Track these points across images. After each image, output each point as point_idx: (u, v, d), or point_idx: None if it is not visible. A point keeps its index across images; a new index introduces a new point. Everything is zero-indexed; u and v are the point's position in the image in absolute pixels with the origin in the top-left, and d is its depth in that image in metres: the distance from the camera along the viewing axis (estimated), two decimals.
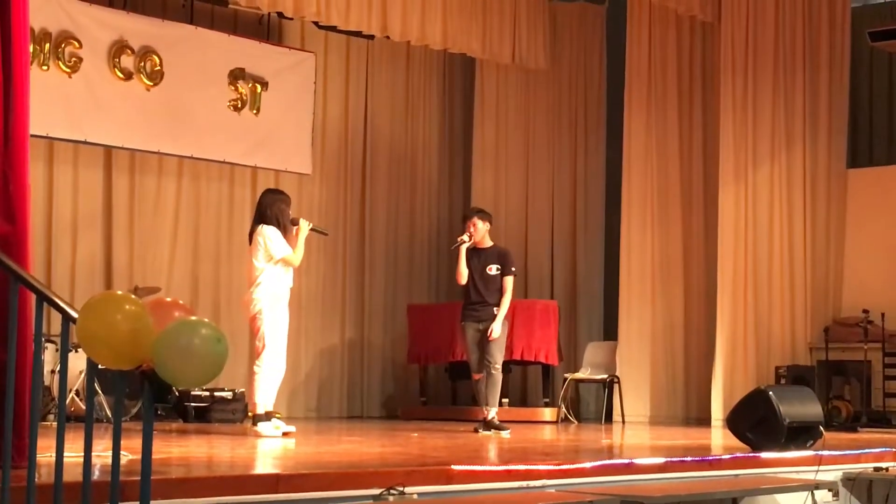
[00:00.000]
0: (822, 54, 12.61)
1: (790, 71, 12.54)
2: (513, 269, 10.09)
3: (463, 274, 10.04)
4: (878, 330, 11.71)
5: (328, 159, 13.60)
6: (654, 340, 12.97)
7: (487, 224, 10.19)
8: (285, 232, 8.95)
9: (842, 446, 8.01)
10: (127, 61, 11.58)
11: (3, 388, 4.33)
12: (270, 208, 8.98)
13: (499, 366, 9.92)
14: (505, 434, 9.56)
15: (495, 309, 9.94)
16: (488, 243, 10.17)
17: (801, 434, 7.77)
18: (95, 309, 3.87)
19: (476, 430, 9.79)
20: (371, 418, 13.34)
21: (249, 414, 9.16)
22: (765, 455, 7.33)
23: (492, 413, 9.86)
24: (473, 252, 10.07)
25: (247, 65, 12.49)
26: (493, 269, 10.02)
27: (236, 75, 12.42)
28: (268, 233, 8.84)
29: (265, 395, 8.77)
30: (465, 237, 10.07)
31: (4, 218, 4.86)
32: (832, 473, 7.26)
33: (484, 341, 9.92)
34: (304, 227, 9.05)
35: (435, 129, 14.74)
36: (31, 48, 10.81)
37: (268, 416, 8.80)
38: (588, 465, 6.23)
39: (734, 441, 7.92)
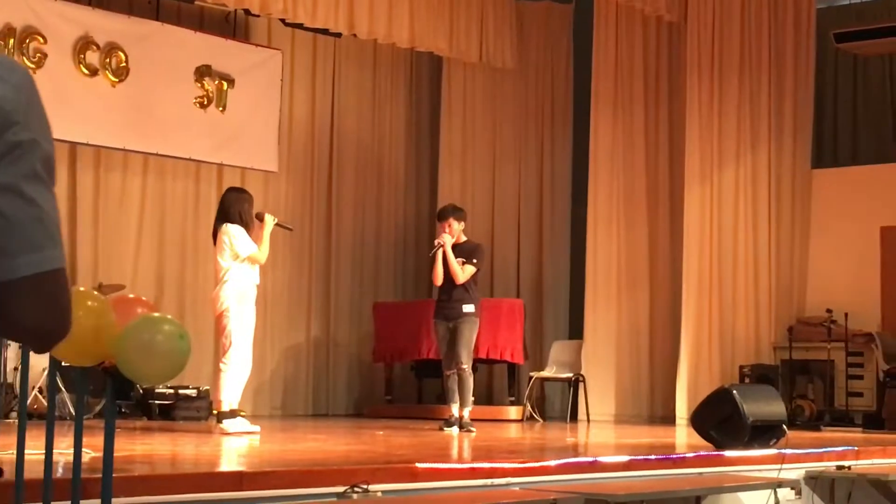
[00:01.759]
0: (787, 55, 12.67)
1: (755, 72, 12.60)
2: (474, 260, 10.07)
3: (439, 276, 10.04)
4: (841, 329, 11.79)
5: (295, 157, 13.57)
6: (620, 339, 13.01)
7: (463, 223, 10.23)
8: (249, 230, 8.95)
9: (805, 445, 8.06)
10: (92, 57, 11.52)
11: None
12: (233, 206, 8.98)
13: (466, 366, 9.93)
14: (472, 433, 9.57)
15: (465, 307, 9.95)
16: (462, 239, 10.20)
17: (765, 433, 7.81)
18: None
19: (441, 429, 9.80)
20: (337, 416, 13.31)
21: (214, 411, 9.14)
22: (728, 453, 7.36)
23: (465, 413, 9.90)
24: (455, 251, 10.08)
25: (213, 62, 12.44)
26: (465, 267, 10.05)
27: (203, 72, 12.37)
28: (232, 231, 8.83)
29: (230, 393, 8.76)
30: (444, 240, 10.03)
31: None
32: (795, 472, 7.30)
33: (453, 340, 9.94)
34: (269, 222, 9.05)
35: (402, 127, 14.73)
36: None
37: (233, 414, 8.78)
38: (552, 463, 6.25)
39: (698, 440, 7.96)
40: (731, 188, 12.55)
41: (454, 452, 7.52)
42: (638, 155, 13.22)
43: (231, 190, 9.44)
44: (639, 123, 13.25)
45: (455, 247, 10.09)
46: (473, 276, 10.12)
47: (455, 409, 9.96)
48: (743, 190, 12.55)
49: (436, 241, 10.17)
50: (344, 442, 8.28)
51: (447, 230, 10.10)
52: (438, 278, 10.05)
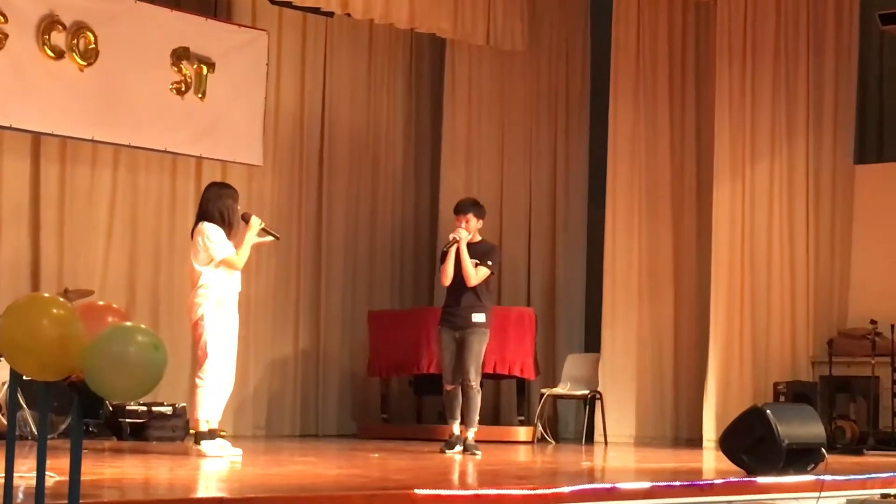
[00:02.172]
0: (827, 38, 12.67)
1: (792, 57, 12.60)
2: (489, 262, 10.08)
3: (448, 275, 10.04)
4: (887, 343, 11.77)
5: (281, 149, 13.57)
6: (641, 353, 13.00)
7: (481, 221, 10.23)
8: (231, 230, 8.94)
9: (846, 470, 8.06)
10: (58, 38, 11.51)
11: None
12: (215, 203, 8.98)
13: (474, 384, 9.95)
14: (475, 456, 9.58)
15: (475, 316, 9.95)
16: (477, 238, 10.20)
17: (802, 457, 7.80)
18: (19, 313, 3.86)
19: (442, 451, 9.80)
20: (327, 437, 13.32)
21: (191, 431, 9.14)
22: (761, 480, 7.36)
23: (470, 434, 9.91)
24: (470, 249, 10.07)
25: (192, 44, 12.44)
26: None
27: (180, 55, 12.36)
28: (208, 231, 8.83)
29: (208, 410, 8.77)
30: (460, 235, 10.02)
31: None
32: (835, 500, 7.30)
33: (460, 353, 9.94)
34: (255, 225, 9.03)
35: (400, 117, 14.73)
36: None
37: (212, 434, 8.79)
38: (566, 489, 6.25)
39: (728, 464, 7.95)
40: (764, 185, 12.54)
41: (457, 477, 7.52)
42: (661, 148, 13.21)
43: (212, 185, 9.45)
44: (663, 113, 13.25)
45: (468, 246, 10.08)
46: (486, 281, 10.13)
47: (456, 428, 9.97)
48: (778, 187, 12.54)
49: (451, 236, 10.14)
50: (335, 465, 8.28)
51: (464, 225, 10.08)
52: (448, 277, 10.04)
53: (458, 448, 9.82)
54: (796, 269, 12.49)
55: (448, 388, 10.04)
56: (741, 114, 12.57)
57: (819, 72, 12.62)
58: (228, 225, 8.95)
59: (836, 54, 12.69)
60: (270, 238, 9.45)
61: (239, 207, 9.20)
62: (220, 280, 8.83)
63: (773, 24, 12.63)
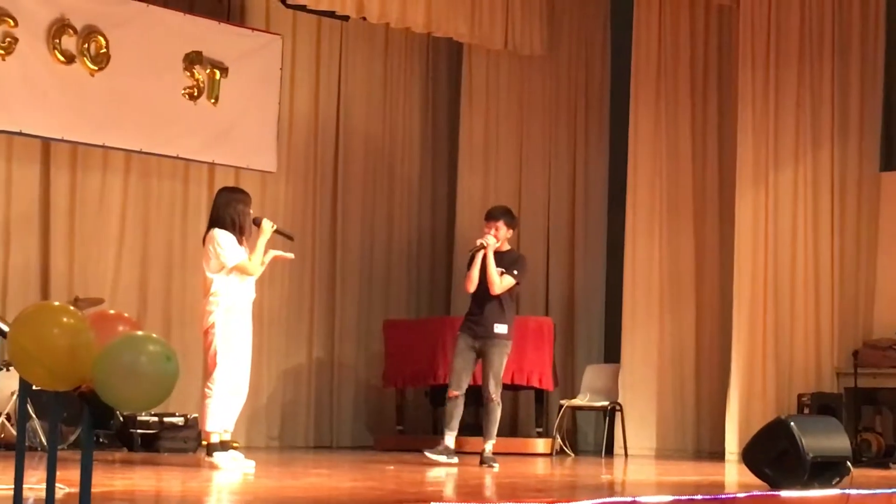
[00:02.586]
0: (853, 42, 12.63)
1: (817, 61, 12.56)
2: (514, 272, 10.07)
3: (474, 281, 10.02)
4: None
5: (295, 155, 13.58)
6: (662, 363, 12.98)
7: (511, 232, 10.23)
8: (243, 235, 8.93)
9: (872, 484, 8.03)
10: (68, 42, 11.54)
11: None
12: (226, 209, 8.96)
13: (495, 397, 9.95)
14: (492, 469, 9.57)
15: (497, 327, 9.95)
16: (505, 247, 10.19)
17: (827, 470, 7.78)
18: (29, 322, 3.87)
19: (425, 453, 9.73)
20: (341, 448, 13.32)
21: (203, 443, 9.15)
22: (785, 494, 7.34)
23: (488, 447, 9.90)
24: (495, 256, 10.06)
25: (204, 48, 12.47)
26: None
27: (192, 59, 12.40)
28: (219, 237, 8.82)
29: (218, 421, 8.76)
30: (488, 241, 10.00)
31: None
32: None
33: (480, 364, 9.93)
34: (267, 229, 9.02)
35: (416, 122, 14.74)
36: None
37: (224, 446, 8.79)
38: (586, 503, 6.23)
39: (751, 478, 7.93)
40: (788, 192, 12.52)
41: (474, 491, 7.51)
42: (683, 155, 13.20)
43: (223, 190, 9.44)
44: (684, 119, 13.24)
45: (495, 254, 10.07)
46: (510, 291, 10.12)
47: (450, 441, 9.94)
48: (802, 195, 12.51)
49: (478, 241, 10.09)
50: (349, 478, 8.28)
51: (493, 232, 10.06)
52: (473, 283, 10.02)
53: (443, 458, 9.78)
54: (821, 279, 12.46)
55: (454, 394, 9.96)
56: (764, 119, 12.55)
57: (844, 76, 12.59)
58: (240, 230, 8.93)
59: (861, 58, 12.65)
60: (286, 256, 9.41)
61: (251, 211, 9.18)
62: (232, 288, 8.83)
63: (797, 27, 12.60)
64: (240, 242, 8.94)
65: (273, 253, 9.16)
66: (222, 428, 8.81)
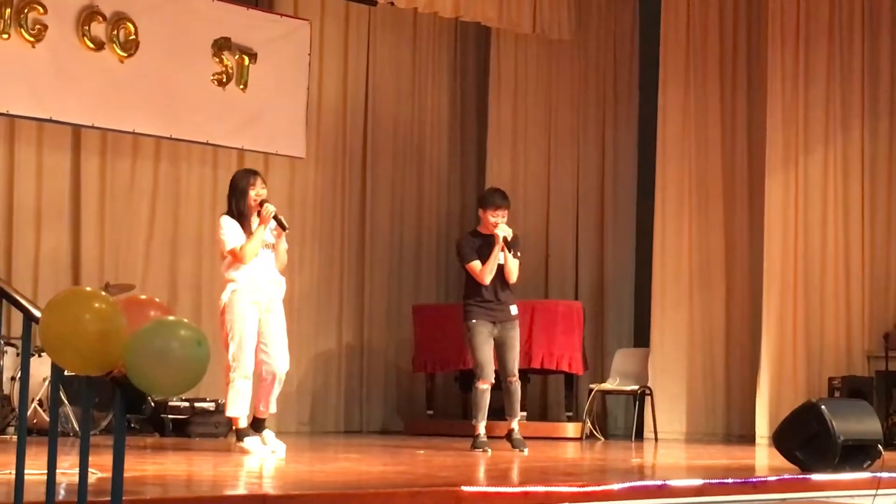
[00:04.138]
0: (883, 20, 12.55)
1: (846, 40, 12.50)
2: (518, 254, 9.91)
3: (492, 272, 9.85)
4: None
5: (324, 141, 13.60)
6: (692, 347, 12.96)
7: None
8: (242, 218, 8.82)
9: None
10: (98, 29, 11.58)
11: None
12: (229, 196, 8.94)
13: (517, 376, 9.93)
14: (521, 452, 9.56)
15: (512, 309, 9.89)
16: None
17: (858, 454, 7.76)
18: (61, 308, 3.88)
19: (483, 449, 9.63)
20: (371, 433, 13.35)
21: (233, 428, 9.18)
22: (816, 477, 7.32)
23: (515, 425, 9.86)
24: (485, 243, 9.94)
25: (233, 34, 12.49)
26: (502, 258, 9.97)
27: (221, 46, 12.42)
28: (221, 223, 8.83)
29: (241, 406, 8.77)
30: (507, 231, 9.86)
31: None
32: (891, 498, 7.24)
33: (502, 350, 9.87)
34: (266, 213, 8.82)
35: (445, 107, 14.73)
36: None
37: (257, 427, 8.82)
38: (616, 486, 6.23)
39: (781, 461, 7.92)
40: (818, 175, 12.47)
41: (504, 474, 7.52)
42: (712, 138, 13.16)
43: (233, 177, 9.28)
44: (713, 102, 13.19)
45: (490, 237, 9.94)
46: None
47: (483, 427, 9.84)
48: (832, 176, 12.47)
49: (501, 234, 9.88)
50: (380, 462, 8.29)
51: (503, 219, 9.93)
52: (491, 275, 9.93)
53: (487, 447, 9.67)
54: (851, 261, 12.41)
55: (484, 385, 9.84)
56: (794, 101, 12.50)
57: (874, 57, 12.52)
58: (239, 214, 8.84)
59: (892, 38, 12.57)
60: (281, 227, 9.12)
61: (261, 193, 8.96)
62: (243, 273, 8.80)
63: (827, 6, 12.54)
64: (243, 226, 8.82)
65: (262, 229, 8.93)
66: (245, 412, 8.82)
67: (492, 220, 9.84)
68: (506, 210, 9.91)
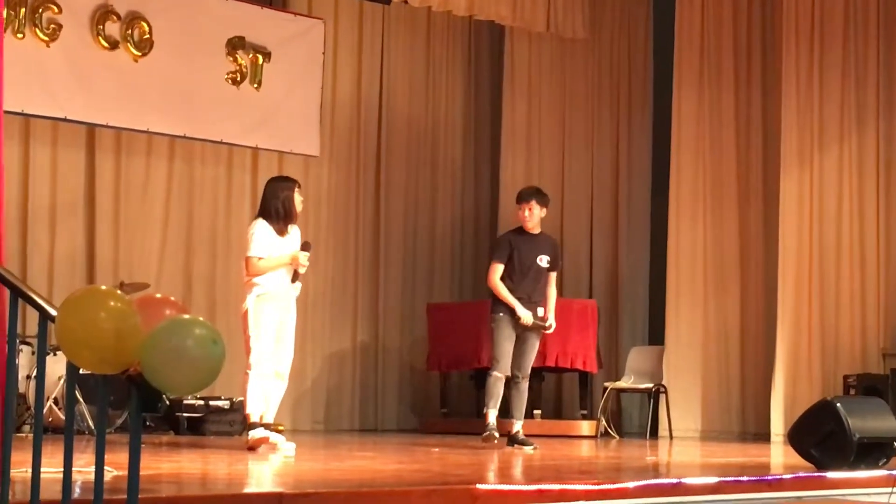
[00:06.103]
0: None
1: (861, 38, 12.47)
2: (557, 266, 10.08)
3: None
4: None
5: (338, 140, 13.61)
6: (706, 345, 12.95)
7: (545, 210, 10.09)
8: (290, 220, 8.90)
9: None
10: (112, 28, 11.61)
11: None
12: (272, 199, 8.92)
13: (527, 376, 9.92)
14: (529, 449, 9.53)
15: (539, 311, 9.87)
16: (538, 230, 10.08)
17: (873, 451, 7.74)
18: (76, 306, 3.89)
19: (492, 439, 9.64)
20: (386, 431, 13.36)
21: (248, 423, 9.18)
22: (831, 475, 7.30)
23: (519, 426, 9.86)
24: (522, 239, 9.95)
25: (247, 33, 12.50)
26: (544, 261, 9.95)
27: (235, 45, 12.44)
28: (254, 226, 8.86)
29: (257, 405, 8.79)
30: (526, 320, 9.82)
31: None
32: None
33: (522, 349, 9.85)
34: (300, 257, 8.86)
35: (459, 106, 14.73)
36: (3, 13, 10.83)
37: (266, 428, 8.83)
38: (630, 485, 6.22)
39: (797, 459, 7.90)
40: (833, 173, 12.44)
41: (519, 472, 7.51)
42: (727, 136, 13.14)
43: (271, 180, 9.27)
44: (728, 100, 13.17)
45: (532, 237, 9.92)
46: None
47: (493, 417, 9.84)
48: (847, 175, 12.44)
49: (526, 322, 9.88)
50: (394, 460, 8.29)
51: (527, 213, 9.92)
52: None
53: (496, 433, 9.69)
54: (866, 259, 12.39)
55: (498, 375, 9.84)
56: (809, 99, 12.47)
57: (889, 54, 12.49)
58: (286, 216, 8.91)
59: None
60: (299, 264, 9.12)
61: (296, 196, 9.03)
62: (269, 279, 8.83)
63: (842, 4, 12.51)
64: (284, 229, 8.90)
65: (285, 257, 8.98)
66: (260, 412, 8.83)
67: (520, 213, 9.96)
68: (528, 204, 9.92)
